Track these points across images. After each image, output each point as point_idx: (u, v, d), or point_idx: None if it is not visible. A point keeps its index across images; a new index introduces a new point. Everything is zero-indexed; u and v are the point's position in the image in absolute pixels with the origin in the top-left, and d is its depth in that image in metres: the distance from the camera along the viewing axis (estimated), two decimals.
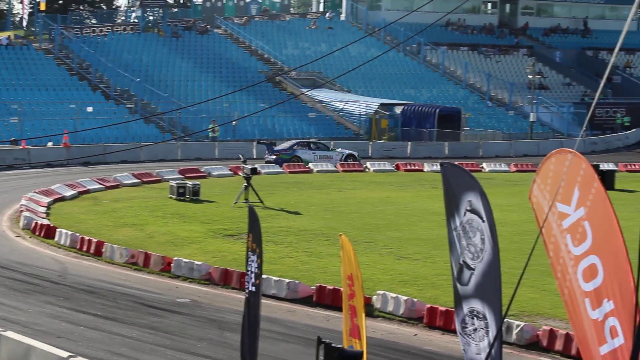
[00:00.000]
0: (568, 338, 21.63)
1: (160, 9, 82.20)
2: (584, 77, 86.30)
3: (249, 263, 15.59)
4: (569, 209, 12.01)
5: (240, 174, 41.66)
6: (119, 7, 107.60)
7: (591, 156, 61.45)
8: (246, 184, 39.59)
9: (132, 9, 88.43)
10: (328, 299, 25.46)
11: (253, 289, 15.58)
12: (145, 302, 25.41)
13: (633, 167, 58.23)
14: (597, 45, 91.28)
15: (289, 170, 53.27)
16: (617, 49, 12.82)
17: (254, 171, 40.10)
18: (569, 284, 12.07)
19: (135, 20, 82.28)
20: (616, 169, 55.46)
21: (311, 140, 60.39)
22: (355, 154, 57.73)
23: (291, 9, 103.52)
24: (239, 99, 68.20)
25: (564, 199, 12.08)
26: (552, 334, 22.23)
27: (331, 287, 25.57)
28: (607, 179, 46.42)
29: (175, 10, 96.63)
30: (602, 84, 14.37)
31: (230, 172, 50.76)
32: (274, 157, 55.70)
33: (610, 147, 71.99)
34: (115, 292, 26.37)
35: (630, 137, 75.08)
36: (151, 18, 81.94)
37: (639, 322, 9.19)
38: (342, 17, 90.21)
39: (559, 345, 21.99)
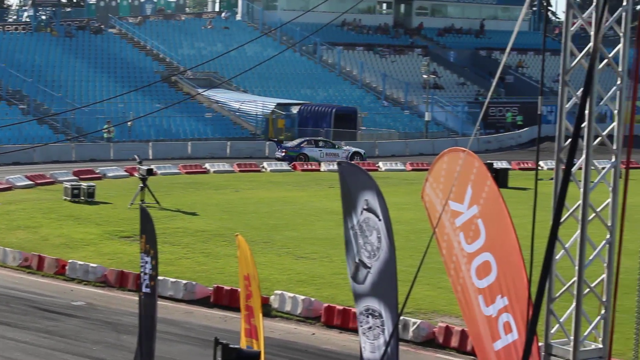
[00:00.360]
0: (464, 335, 21.88)
1: (53, 8, 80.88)
2: (478, 77, 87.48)
3: (143, 265, 15.47)
4: (462, 207, 12.15)
5: (136, 175, 41.27)
6: (10, 6, 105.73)
7: (485, 155, 62.31)
8: (142, 185, 39.22)
9: (23, 8, 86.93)
10: (225, 300, 25.37)
11: (148, 290, 15.44)
12: (39, 306, 25.01)
13: (526, 165, 59.21)
14: (490, 46, 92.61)
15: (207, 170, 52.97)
16: (508, 49, 13.00)
17: (150, 172, 39.75)
18: (462, 281, 12.21)
19: (28, 20, 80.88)
20: (509, 167, 56.30)
21: (318, 138, 61.73)
22: (362, 151, 59.11)
23: (186, 8, 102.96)
24: (135, 100, 67.54)
25: (457, 197, 12.21)
26: (447, 331, 22.47)
27: (228, 288, 25.49)
28: (500, 177, 47.13)
29: (69, 9, 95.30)
30: (494, 84, 14.57)
31: (126, 173, 50.23)
32: (282, 154, 57.78)
33: (504, 145, 73.08)
34: (8, 296, 25.89)
35: (523, 135, 76.32)
36: (43, 17, 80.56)
37: (532, 317, 9.32)
38: (238, 17, 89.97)
39: (454, 342, 22.23)
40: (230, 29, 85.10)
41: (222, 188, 46.57)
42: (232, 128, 69.69)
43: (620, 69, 11.51)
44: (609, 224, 11.71)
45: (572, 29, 11.58)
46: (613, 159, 11.73)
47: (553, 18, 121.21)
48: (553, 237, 9.62)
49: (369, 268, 13.25)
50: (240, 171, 53.99)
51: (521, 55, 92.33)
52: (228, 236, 32.74)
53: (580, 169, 11.51)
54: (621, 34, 11.43)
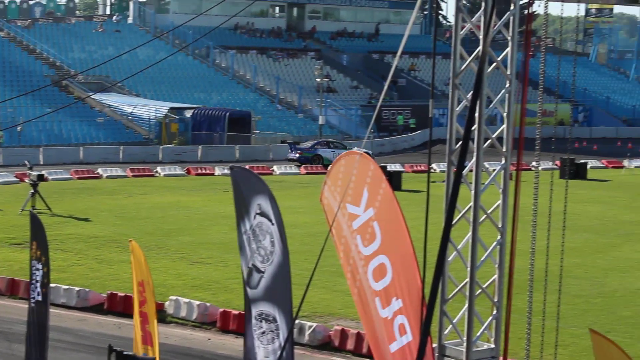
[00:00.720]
0: (359, 337, 21.99)
1: None
2: (371, 80, 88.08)
3: (34, 272, 15.22)
4: (359, 209, 12.21)
5: (27, 180, 40.56)
6: None
7: (379, 158, 62.78)
8: (33, 191, 38.57)
9: None
10: (120, 307, 25.09)
11: (39, 298, 15.19)
12: None
13: (419, 167, 59.81)
14: (383, 49, 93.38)
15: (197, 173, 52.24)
16: (399, 53, 13.11)
17: (41, 178, 39.11)
18: (359, 283, 12.27)
19: None
20: (403, 169, 56.87)
21: (330, 140, 64.16)
22: (370, 152, 59.41)
23: (77, 11, 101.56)
24: (24, 104, 66.39)
25: (354, 200, 12.27)
26: (343, 334, 22.56)
27: (123, 294, 25.21)
28: (394, 180, 47.57)
29: None
30: (385, 87, 14.68)
31: (16, 179, 49.33)
32: (297, 155, 59.95)
33: (397, 148, 73.71)
34: None
35: (416, 138, 77.08)
36: None
37: (426, 318, 9.41)
38: (130, 20, 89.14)
39: (350, 344, 22.33)
40: (122, 32, 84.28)
41: (115, 193, 46.05)
42: (125, 132, 68.98)
43: (509, 72, 11.68)
44: (500, 225, 11.87)
45: (461, 32, 11.71)
46: (503, 161, 11.90)
47: (444, 22, 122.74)
48: (445, 239, 9.72)
49: (263, 272, 13.22)
50: (134, 176, 53.46)
51: (413, 59, 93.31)
52: (122, 242, 32.39)
53: (471, 171, 11.65)
54: (509, 38, 11.60)
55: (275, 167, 58.13)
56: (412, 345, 11.58)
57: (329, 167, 12.97)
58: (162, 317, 23.63)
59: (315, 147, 61.34)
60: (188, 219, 38.68)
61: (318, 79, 76.90)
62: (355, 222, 12.28)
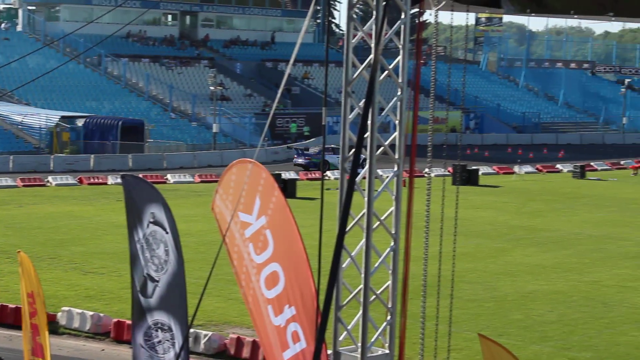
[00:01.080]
0: (255, 345, 21.98)
1: None
2: (265, 88, 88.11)
3: None
4: (251, 217, 12.19)
5: None
6: None
7: (273, 165, 62.82)
8: None
9: None
10: (10, 319, 24.64)
11: None
12: None
13: (313, 175, 59.99)
14: (276, 57, 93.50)
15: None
16: (292, 61, 13.15)
17: None
18: (252, 292, 12.25)
19: None
20: (297, 177, 56.99)
21: (333, 146, 64.47)
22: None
23: None
24: None
25: (246, 208, 12.25)
26: (239, 342, 22.53)
27: (14, 306, 24.76)
28: (288, 188, 47.67)
29: None
30: (278, 95, 14.70)
31: None
32: (306, 160, 63.43)
33: (292, 156, 73.85)
34: None
35: (310, 146, 77.31)
36: None
37: (320, 325, 9.44)
38: (19, 28, 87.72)
39: (246, 352, 22.31)
40: (11, 40, 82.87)
41: (5, 204, 45.22)
42: (15, 142, 67.79)
43: (400, 80, 11.79)
44: (393, 232, 11.97)
45: (353, 41, 11.79)
46: (396, 168, 12.01)
47: (337, 30, 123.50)
48: (339, 246, 9.77)
49: (157, 282, 13.13)
50: (24, 186, 52.55)
51: (307, 67, 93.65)
52: (12, 253, 31.80)
53: (364, 178, 11.73)
54: (401, 46, 11.71)
55: (169, 176, 57.75)
56: (306, 353, 11.60)
57: (221, 176, 12.94)
58: (55, 328, 23.30)
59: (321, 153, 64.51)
60: (81, 229, 38.19)
61: (212, 87, 76.66)
62: (247, 230, 12.26)
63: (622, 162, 70.83)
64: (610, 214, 44.87)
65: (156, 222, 13.04)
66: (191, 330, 20.26)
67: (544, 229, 40.05)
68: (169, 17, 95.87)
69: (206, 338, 22.61)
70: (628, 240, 37.48)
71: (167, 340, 13.06)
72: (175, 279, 12.90)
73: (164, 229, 12.93)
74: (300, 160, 64.36)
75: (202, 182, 56.43)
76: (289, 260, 11.86)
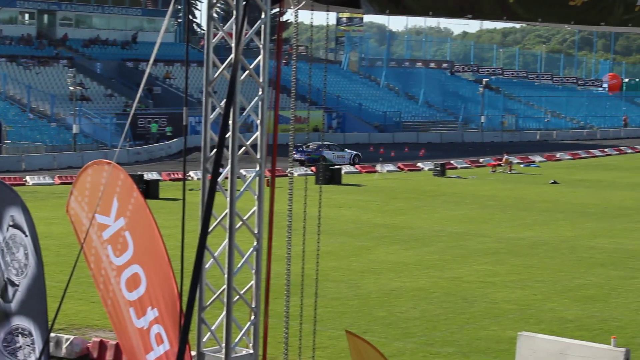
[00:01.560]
0: (118, 348, 21.69)
1: None
2: (126, 88, 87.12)
3: None
4: (109, 219, 12.06)
5: None
6: None
7: (135, 166, 62.19)
8: None
9: None
10: None
11: None
12: None
13: (176, 175, 59.59)
14: (137, 57, 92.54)
15: None
16: (151, 60, 13.05)
17: None
18: (112, 294, 12.11)
19: None
20: (160, 178, 56.53)
21: (327, 143, 72.14)
22: (360, 154, 70.43)
23: None
24: None
25: (104, 210, 12.10)
26: (102, 346, 22.22)
27: None
28: (151, 189, 47.26)
29: None
30: (138, 95, 14.58)
31: None
32: (306, 156, 66.95)
33: (154, 156, 73.16)
34: None
35: (173, 146, 76.76)
36: None
37: (184, 326, 9.39)
38: None
39: (109, 356, 22.01)
40: None
41: None
42: None
43: (261, 79, 11.81)
44: (256, 231, 11.98)
45: (213, 40, 11.76)
46: (258, 168, 12.02)
47: (198, 30, 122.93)
48: (202, 247, 9.74)
49: (17, 286, 12.88)
50: None
51: (168, 67, 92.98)
52: None
53: (227, 178, 11.71)
54: (261, 46, 11.73)
55: (28, 178, 56.62)
56: (169, 354, 11.53)
57: (76, 177, 12.74)
58: None
59: (320, 149, 68.70)
60: None
61: (71, 87, 75.40)
62: (105, 232, 12.12)
63: (481, 160, 72.30)
64: (469, 211, 45.76)
65: (15, 225, 12.79)
66: (52, 334, 19.92)
67: (406, 227, 40.61)
68: (26, 16, 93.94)
69: (68, 342, 22.23)
70: (487, 237, 38.28)
71: (28, 346, 12.82)
72: (36, 282, 12.67)
73: (24, 232, 12.69)
74: (300, 156, 66.82)
75: (62, 183, 55.46)
76: (149, 261, 11.77)
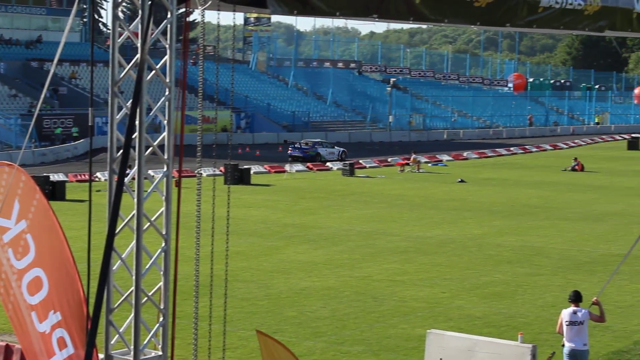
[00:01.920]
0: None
1: None
2: (30, 89, 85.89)
3: None
4: (10, 222, 11.87)
5: None
6: None
7: (41, 167, 61.36)
8: None
9: None
10: None
11: None
12: None
13: (83, 177, 58.90)
14: (42, 57, 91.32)
15: None
16: (56, 60, 12.88)
17: None
18: (13, 298, 11.92)
19: None
20: (67, 179, 55.82)
21: (323, 141, 78.26)
22: (346, 150, 75.27)
23: None
24: None
25: (4, 212, 11.90)
26: (8, 350, 21.83)
27: None
28: (57, 190, 46.67)
29: None
30: (43, 95, 14.38)
31: None
32: (304, 153, 71.46)
33: (60, 157, 72.25)
34: None
35: (79, 147, 75.90)
36: None
37: (91, 329, 9.28)
38: None
39: None
40: None
41: None
42: None
43: (168, 79, 11.72)
44: (164, 232, 11.89)
45: (119, 40, 11.64)
46: (165, 169, 11.93)
47: (104, 29, 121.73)
48: (109, 248, 9.64)
49: None
50: None
51: (74, 67, 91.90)
52: None
53: (134, 179, 11.60)
54: (167, 46, 11.64)
55: None
56: (74, 358, 11.38)
57: None
58: None
59: (315, 146, 73.62)
60: None
61: None
62: (5, 235, 11.92)
63: (389, 160, 72.82)
64: (378, 210, 46.03)
65: None
66: None
67: (315, 226, 40.70)
68: None
69: None
70: (396, 236, 38.54)
71: None
72: None
73: None
74: (297, 153, 71.61)
75: None
76: (52, 264, 11.60)
